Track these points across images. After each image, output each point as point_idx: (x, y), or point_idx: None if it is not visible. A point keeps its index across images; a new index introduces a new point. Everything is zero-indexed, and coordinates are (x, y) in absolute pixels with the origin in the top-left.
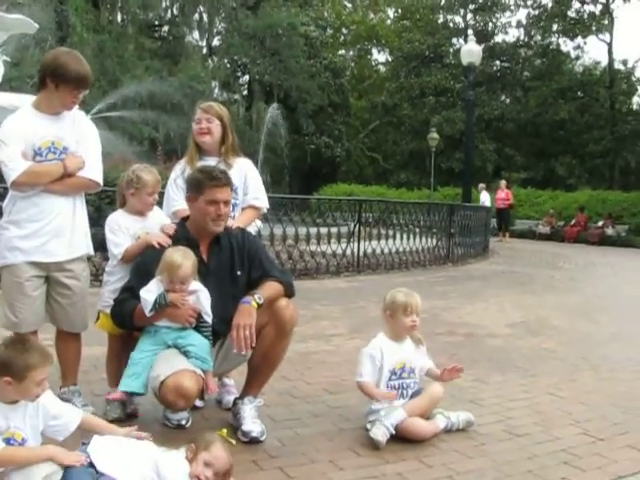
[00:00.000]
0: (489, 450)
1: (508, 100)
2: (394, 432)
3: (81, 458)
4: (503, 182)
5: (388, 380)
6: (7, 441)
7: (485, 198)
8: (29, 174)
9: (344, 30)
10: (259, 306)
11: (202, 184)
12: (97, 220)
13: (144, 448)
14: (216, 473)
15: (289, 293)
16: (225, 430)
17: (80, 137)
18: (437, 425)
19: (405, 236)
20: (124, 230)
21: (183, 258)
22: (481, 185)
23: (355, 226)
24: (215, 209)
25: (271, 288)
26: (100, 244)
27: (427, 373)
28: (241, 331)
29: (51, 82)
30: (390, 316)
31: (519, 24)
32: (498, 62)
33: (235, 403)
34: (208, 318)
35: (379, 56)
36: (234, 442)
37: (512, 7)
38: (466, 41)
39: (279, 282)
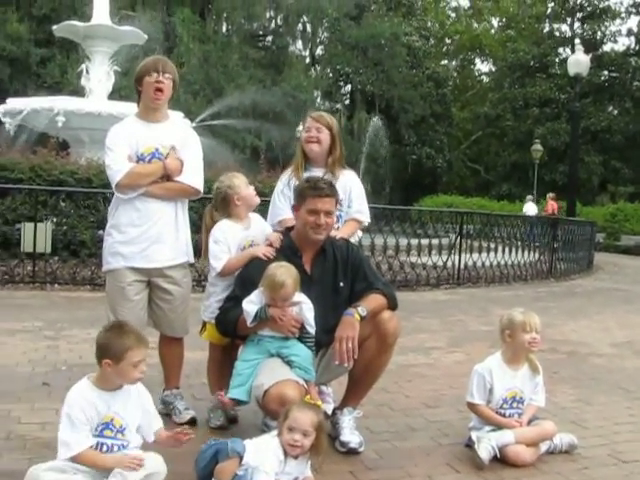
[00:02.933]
0: (592, 475)
1: (616, 111)
2: (498, 454)
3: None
4: (550, 194)
5: (499, 408)
6: (106, 425)
7: (528, 209)
8: (131, 175)
9: (447, 40)
10: (362, 318)
11: (305, 193)
12: (200, 227)
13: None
14: (303, 433)
15: (392, 306)
16: (308, 396)
17: (182, 144)
18: (539, 449)
19: (507, 249)
20: (229, 240)
21: (286, 277)
22: (529, 197)
23: (456, 238)
24: (315, 219)
25: (374, 301)
26: (201, 251)
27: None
28: (344, 344)
29: (139, 84)
30: (509, 336)
31: (630, 32)
32: (606, 72)
33: (334, 413)
34: (311, 329)
35: (482, 66)
36: (319, 403)
37: (623, 14)
38: (573, 51)
39: (383, 295)
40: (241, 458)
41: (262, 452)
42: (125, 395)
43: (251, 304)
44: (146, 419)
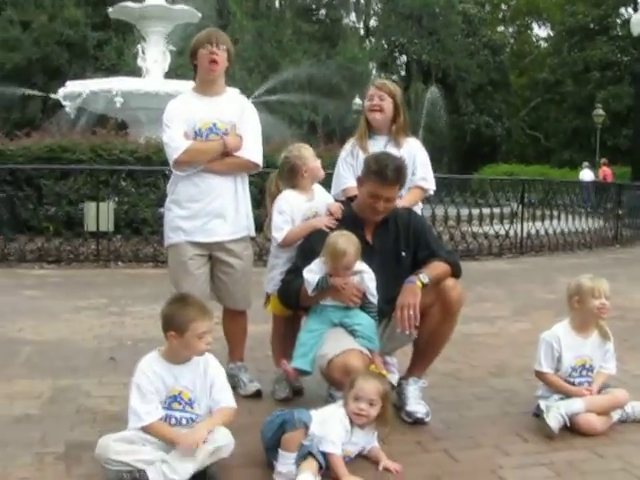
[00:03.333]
0: None
1: None
2: (568, 423)
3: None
4: (603, 160)
5: (568, 376)
6: (174, 398)
7: (584, 175)
8: (190, 152)
9: (503, 6)
10: (424, 286)
11: (370, 175)
12: (261, 202)
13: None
14: (369, 402)
15: (456, 273)
16: (373, 366)
17: (240, 118)
18: (611, 418)
19: (570, 217)
20: (294, 210)
21: (347, 245)
22: (585, 163)
23: (518, 206)
24: (375, 202)
25: (437, 268)
26: (262, 226)
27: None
28: (405, 311)
29: (194, 58)
30: (577, 302)
31: None
32: None
33: (399, 383)
34: (373, 299)
35: (540, 31)
36: (384, 372)
37: None
38: (636, 10)
39: (446, 262)
40: (307, 428)
41: (328, 422)
42: (194, 368)
43: (312, 273)
44: (214, 393)
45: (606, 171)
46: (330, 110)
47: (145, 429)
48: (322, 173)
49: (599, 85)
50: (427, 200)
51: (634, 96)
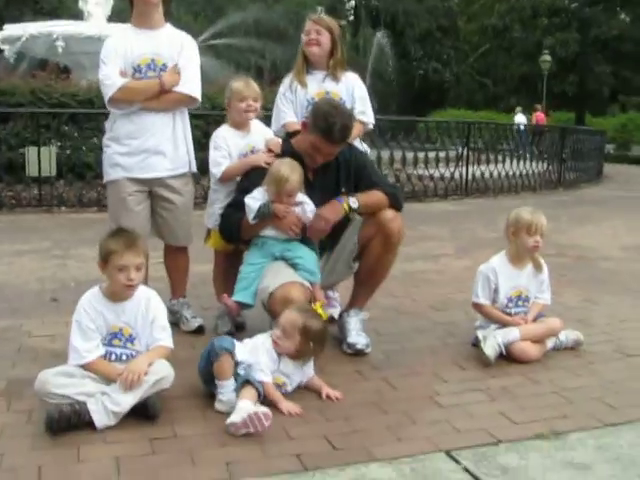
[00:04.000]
0: (597, 369)
1: (628, 19)
2: (504, 351)
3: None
4: (537, 106)
5: (504, 307)
6: (114, 335)
7: (520, 119)
8: (125, 90)
9: None
10: (350, 210)
11: (317, 130)
12: (205, 145)
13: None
14: (282, 331)
15: (394, 205)
16: (318, 304)
17: (179, 52)
18: (545, 345)
19: (515, 160)
20: (230, 146)
21: (291, 171)
22: (518, 108)
23: (463, 149)
24: (316, 155)
25: (372, 196)
26: (207, 168)
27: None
28: (318, 221)
29: None
30: (513, 234)
31: None
32: None
33: (341, 316)
34: None
35: None
36: (322, 313)
37: None
38: None
39: (383, 192)
40: (231, 353)
41: (257, 351)
42: (135, 305)
43: (253, 200)
44: (152, 331)
45: (539, 116)
46: (277, 55)
47: (85, 367)
48: (245, 117)
49: (547, 31)
50: (373, 143)
51: (580, 43)
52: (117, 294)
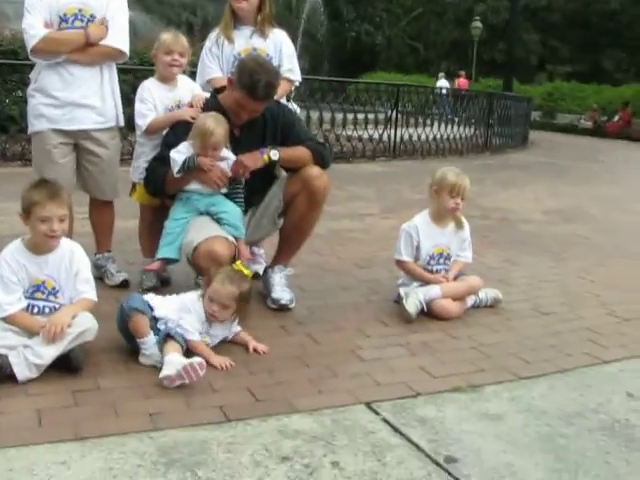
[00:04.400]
0: (515, 325)
1: None
2: (425, 308)
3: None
4: (460, 72)
5: (426, 264)
6: (37, 287)
7: (442, 84)
8: (48, 41)
9: None
10: (270, 161)
11: (241, 87)
12: (133, 100)
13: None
14: (222, 306)
15: (320, 162)
16: (239, 262)
17: (106, 2)
18: (465, 303)
19: (443, 125)
20: (156, 99)
21: (216, 125)
22: (441, 74)
23: (392, 112)
24: (240, 110)
25: (296, 151)
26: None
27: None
28: (237, 168)
29: None
30: (435, 192)
31: None
32: None
33: (265, 271)
34: (239, 186)
35: None
36: (246, 272)
37: None
38: None
39: (308, 148)
40: (143, 312)
41: (184, 309)
42: (59, 258)
43: (179, 153)
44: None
45: (461, 81)
46: (209, 12)
47: (7, 320)
48: (170, 72)
49: None
50: (303, 103)
51: (510, 10)
52: (40, 246)
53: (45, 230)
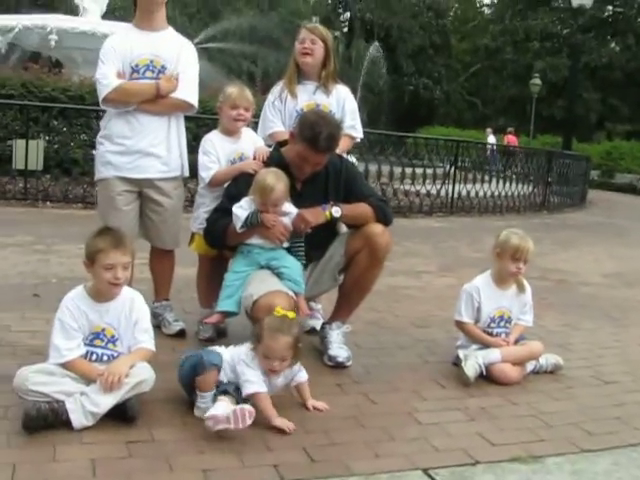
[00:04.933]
0: (576, 394)
1: (618, 48)
2: (484, 372)
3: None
4: (509, 129)
5: (486, 327)
6: (96, 335)
7: (490, 140)
8: (120, 91)
9: None
10: (332, 218)
11: (303, 139)
12: (195, 147)
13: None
14: (281, 359)
15: (382, 219)
16: (278, 307)
17: (178, 56)
18: (525, 368)
19: (501, 181)
20: (219, 151)
21: (276, 180)
22: (488, 129)
23: (450, 167)
24: (302, 164)
25: (358, 208)
26: (197, 172)
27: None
28: (299, 223)
29: None
30: (498, 255)
31: None
32: (611, 7)
33: (323, 327)
34: (300, 241)
35: None
36: (290, 314)
37: None
38: None
39: (371, 205)
40: (219, 368)
41: (244, 364)
42: (119, 306)
43: (241, 209)
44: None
45: (510, 138)
46: (270, 62)
47: (65, 365)
48: (234, 126)
49: (538, 55)
50: (361, 155)
51: (570, 68)
52: (102, 294)
53: (109, 278)
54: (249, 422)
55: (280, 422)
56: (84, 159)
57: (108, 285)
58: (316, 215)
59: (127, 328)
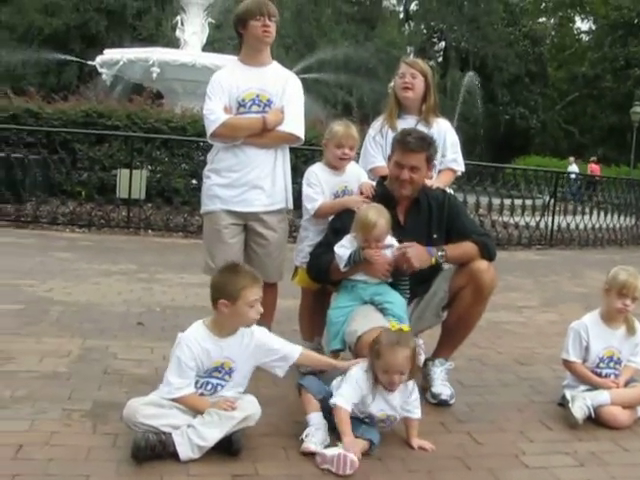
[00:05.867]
0: None
1: None
2: (593, 414)
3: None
4: (592, 158)
5: (595, 367)
6: (215, 368)
7: (572, 169)
8: (228, 126)
9: None
10: (437, 263)
11: (394, 145)
12: (293, 178)
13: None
14: (400, 372)
15: (486, 256)
16: (392, 321)
17: (284, 90)
18: (636, 412)
19: (602, 213)
20: (323, 184)
21: (378, 216)
22: (571, 158)
23: (550, 198)
24: (399, 172)
25: (462, 247)
26: (295, 201)
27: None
28: (402, 264)
29: (242, 28)
30: (606, 291)
31: None
32: None
33: (425, 364)
34: (404, 276)
35: (582, 24)
36: (405, 328)
37: None
38: None
39: (475, 243)
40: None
41: (346, 380)
42: (239, 338)
43: (343, 248)
44: (278, 357)
45: (594, 167)
46: (365, 92)
47: (175, 400)
48: (340, 164)
49: (639, 82)
50: (459, 187)
51: None
52: (224, 329)
53: (253, 313)
54: (349, 472)
55: (349, 441)
56: (185, 188)
57: (253, 321)
58: (421, 259)
59: (246, 360)
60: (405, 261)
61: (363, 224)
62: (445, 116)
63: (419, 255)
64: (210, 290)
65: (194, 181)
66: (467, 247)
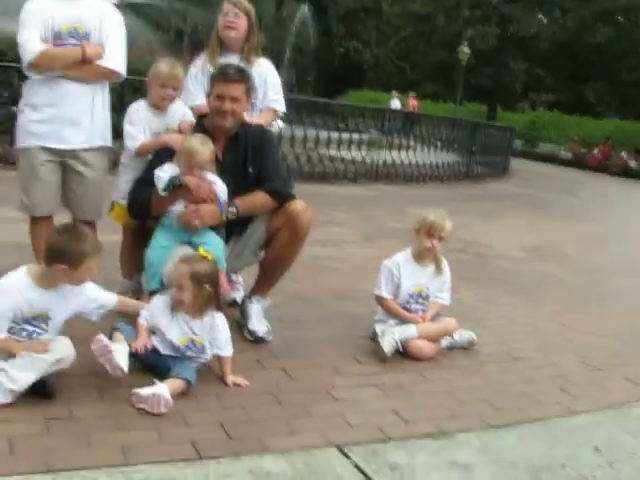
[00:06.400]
0: (487, 370)
1: (545, 19)
2: (401, 348)
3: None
4: (411, 93)
5: (405, 303)
6: (34, 317)
7: (395, 105)
8: (44, 56)
9: None
10: (227, 219)
11: (213, 78)
12: (120, 109)
13: None
14: (178, 286)
15: (280, 200)
16: (201, 249)
17: (103, 23)
18: (440, 344)
19: (426, 149)
20: (143, 123)
21: (201, 145)
22: (394, 92)
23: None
24: (220, 104)
25: (253, 200)
26: (120, 133)
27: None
28: (194, 219)
29: None
30: (416, 231)
31: None
32: None
33: (243, 301)
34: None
35: None
36: (209, 256)
37: None
38: None
39: (266, 192)
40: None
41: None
42: (61, 290)
43: (164, 172)
44: (96, 305)
45: (413, 103)
46: (198, 20)
47: None
48: (162, 104)
49: (468, 22)
50: (288, 120)
51: (499, 38)
52: (50, 283)
53: (87, 277)
54: (163, 410)
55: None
56: (5, 117)
57: (84, 283)
58: (213, 217)
59: (66, 311)
60: (197, 217)
61: (187, 150)
62: (279, 46)
63: (210, 212)
64: (46, 250)
65: (14, 108)
66: (258, 198)
